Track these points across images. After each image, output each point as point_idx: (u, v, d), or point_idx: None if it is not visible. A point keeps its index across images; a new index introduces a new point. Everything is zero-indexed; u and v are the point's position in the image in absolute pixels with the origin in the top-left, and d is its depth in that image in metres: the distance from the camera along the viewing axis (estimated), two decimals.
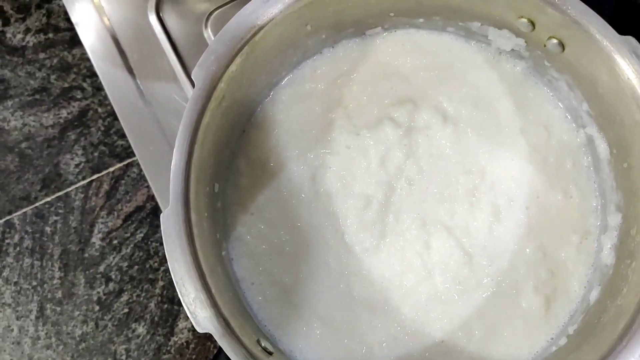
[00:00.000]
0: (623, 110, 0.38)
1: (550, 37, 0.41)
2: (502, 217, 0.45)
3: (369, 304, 0.44)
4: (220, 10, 0.56)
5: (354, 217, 0.45)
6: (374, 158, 0.46)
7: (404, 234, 0.45)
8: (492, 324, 0.43)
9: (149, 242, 0.59)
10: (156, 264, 0.58)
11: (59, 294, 0.58)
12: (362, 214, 0.45)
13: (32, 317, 0.58)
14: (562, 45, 0.41)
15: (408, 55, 0.48)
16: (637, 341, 0.34)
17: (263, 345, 0.39)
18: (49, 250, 0.59)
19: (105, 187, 0.60)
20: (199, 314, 0.36)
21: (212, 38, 0.55)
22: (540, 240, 0.45)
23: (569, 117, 0.46)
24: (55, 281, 0.58)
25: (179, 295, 0.37)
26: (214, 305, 0.36)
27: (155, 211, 0.59)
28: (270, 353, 0.39)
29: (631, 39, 0.37)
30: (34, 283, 0.58)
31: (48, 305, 0.58)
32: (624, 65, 0.37)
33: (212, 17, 0.56)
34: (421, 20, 0.47)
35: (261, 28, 0.40)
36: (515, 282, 0.44)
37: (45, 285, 0.58)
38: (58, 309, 0.58)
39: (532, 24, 0.41)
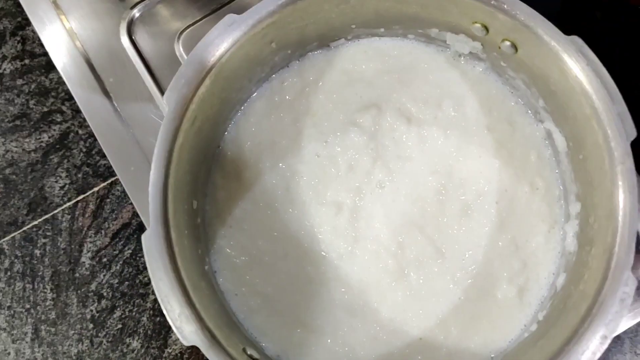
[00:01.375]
0: (574, 105, 0.40)
1: (503, 40, 0.43)
2: (473, 213, 0.46)
3: (348, 307, 0.45)
4: (191, 28, 0.57)
5: (328, 224, 0.46)
6: (342, 165, 0.47)
7: (377, 236, 0.46)
8: (469, 316, 0.45)
9: (138, 258, 0.60)
10: (146, 279, 0.59)
11: (52, 315, 0.59)
12: (335, 221, 0.46)
13: (28, 339, 0.59)
14: (515, 47, 0.43)
15: (371, 61, 0.49)
16: (597, 323, 0.36)
17: (249, 353, 0.40)
18: (40, 273, 0.60)
19: (91, 206, 0.61)
20: (184, 328, 0.38)
21: (185, 56, 0.56)
22: (511, 233, 0.46)
23: (530, 112, 0.48)
24: (48, 302, 0.59)
25: (165, 312, 0.38)
26: (199, 319, 0.38)
27: (142, 227, 0.60)
28: None
29: (576, 39, 0.39)
30: (27, 306, 0.59)
31: (42, 327, 0.59)
32: (572, 64, 0.39)
33: (183, 35, 0.56)
34: (382, 30, 0.48)
35: (227, 50, 0.41)
36: (490, 275, 0.45)
37: (38, 307, 0.59)
38: (52, 329, 0.59)
39: (486, 28, 0.43)
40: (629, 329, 0.50)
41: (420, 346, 0.44)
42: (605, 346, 0.36)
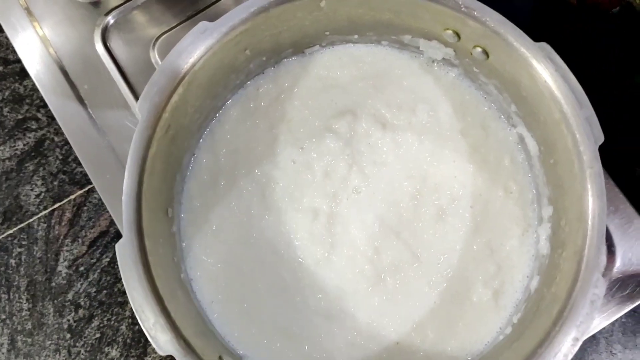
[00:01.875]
0: (544, 110, 0.41)
1: (475, 46, 0.43)
2: (448, 217, 0.47)
3: (325, 313, 0.45)
4: (167, 34, 0.57)
5: (304, 230, 0.46)
6: (318, 171, 0.47)
7: (353, 242, 0.46)
8: (445, 319, 0.45)
9: (116, 266, 0.59)
10: (124, 287, 0.59)
11: (28, 325, 0.58)
12: (312, 227, 0.46)
13: (4, 350, 0.58)
14: (486, 53, 0.43)
15: (345, 67, 0.50)
16: (569, 325, 0.37)
17: None
18: (15, 283, 0.59)
19: (68, 215, 0.61)
20: (159, 338, 0.37)
21: (160, 63, 0.56)
22: (486, 236, 0.46)
23: (502, 117, 0.49)
24: (24, 313, 0.59)
25: (139, 322, 0.38)
26: (174, 328, 0.38)
27: (120, 235, 0.59)
28: None
29: (545, 45, 0.40)
30: (3, 316, 0.59)
31: (19, 337, 0.58)
32: (541, 70, 0.40)
33: (158, 41, 0.56)
34: (356, 36, 0.49)
35: (200, 58, 0.41)
36: (465, 279, 0.46)
37: (14, 318, 0.59)
38: (29, 340, 0.58)
39: (458, 35, 0.44)
40: (603, 328, 0.51)
41: (398, 350, 0.44)
42: (577, 348, 0.37)
